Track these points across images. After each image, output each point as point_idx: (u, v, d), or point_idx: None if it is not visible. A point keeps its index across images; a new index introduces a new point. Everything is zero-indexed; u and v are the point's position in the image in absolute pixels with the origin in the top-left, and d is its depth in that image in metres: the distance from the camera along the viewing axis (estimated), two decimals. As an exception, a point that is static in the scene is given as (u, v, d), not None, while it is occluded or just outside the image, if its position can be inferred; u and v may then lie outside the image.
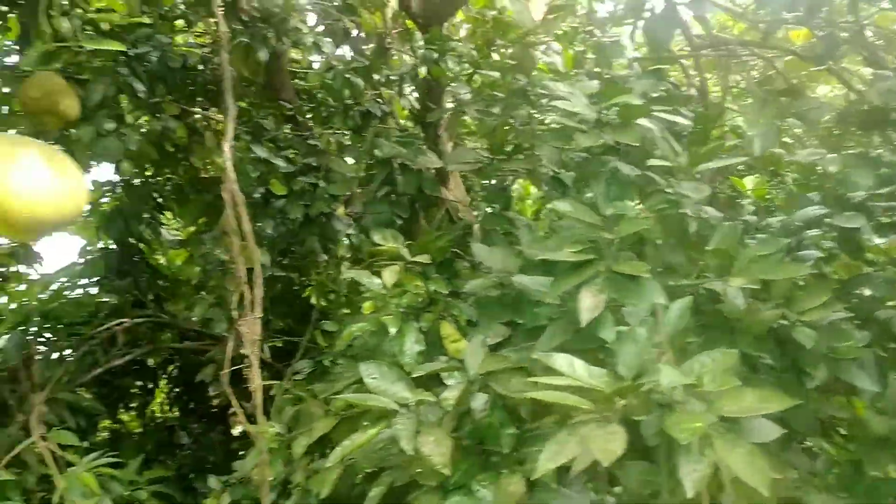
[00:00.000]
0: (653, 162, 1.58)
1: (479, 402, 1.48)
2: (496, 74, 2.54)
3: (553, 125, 1.78)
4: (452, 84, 3.47)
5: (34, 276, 4.71)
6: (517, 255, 1.82)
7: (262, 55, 3.01)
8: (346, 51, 4.10)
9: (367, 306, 1.77)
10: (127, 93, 2.61)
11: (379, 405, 1.44)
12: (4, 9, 2.91)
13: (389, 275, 1.82)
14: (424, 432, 1.39)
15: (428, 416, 1.49)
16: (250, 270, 2.58)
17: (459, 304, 1.85)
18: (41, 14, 1.58)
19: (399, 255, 1.90)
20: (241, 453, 4.92)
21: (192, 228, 5.34)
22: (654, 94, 1.89)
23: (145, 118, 2.99)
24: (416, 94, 3.85)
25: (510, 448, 1.49)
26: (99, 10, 2.32)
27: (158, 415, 5.31)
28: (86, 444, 4.22)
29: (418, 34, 4.25)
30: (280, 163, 2.93)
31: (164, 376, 5.14)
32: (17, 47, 2.83)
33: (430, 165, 2.61)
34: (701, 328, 1.53)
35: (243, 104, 3.61)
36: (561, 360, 1.25)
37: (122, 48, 1.88)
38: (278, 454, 2.31)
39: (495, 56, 3.78)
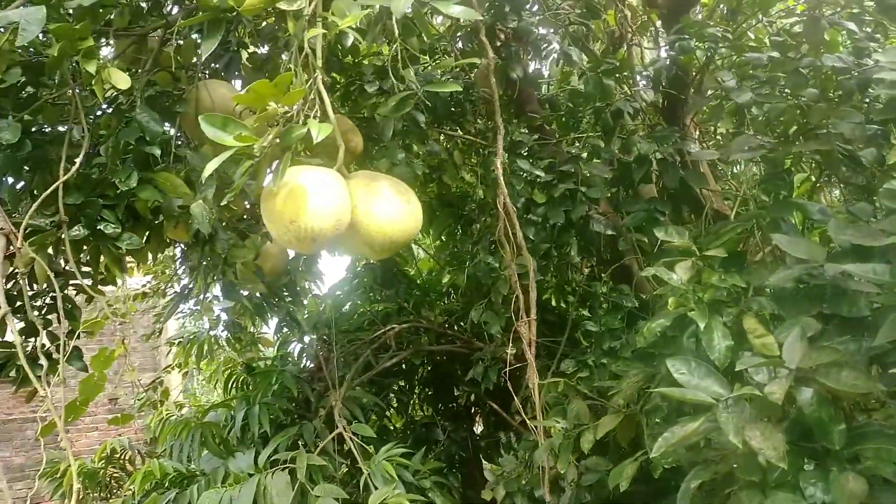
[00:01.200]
0: None
1: (806, 396, 1.40)
2: (769, 55, 2.37)
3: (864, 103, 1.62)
4: (699, 73, 3.34)
5: (317, 290, 5.44)
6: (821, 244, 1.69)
7: (518, 73, 3.16)
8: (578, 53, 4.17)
9: (672, 302, 1.76)
10: (410, 124, 2.91)
11: (697, 399, 1.43)
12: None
13: (682, 271, 1.80)
14: (749, 426, 1.36)
15: (745, 411, 1.44)
16: (521, 276, 2.73)
17: (757, 298, 1.77)
18: (390, 69, 1.86)
19: (690, 250, 1.87)
20: (487, 451, 5.22)
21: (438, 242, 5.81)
22: None
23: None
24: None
25: (841, 445, 1.39)
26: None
27: (417, 412, 5.80)
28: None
29: (658, 26, 4.17)
30: (540, 173, 3.04)
31: (416, 378, 5.61)
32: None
33: (706, 158, 2.52)
34: None
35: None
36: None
37: (459, 88, 2.11)
38: (563, 450, 2.39)
39: (750, 35, 3.56)
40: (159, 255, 2.95)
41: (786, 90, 2.21)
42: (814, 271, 1.65)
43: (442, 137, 4.36)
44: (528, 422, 2.54)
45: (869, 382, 1.33)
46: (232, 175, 1.50)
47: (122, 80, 1.83)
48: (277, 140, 1.39)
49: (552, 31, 4.02)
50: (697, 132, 4.23)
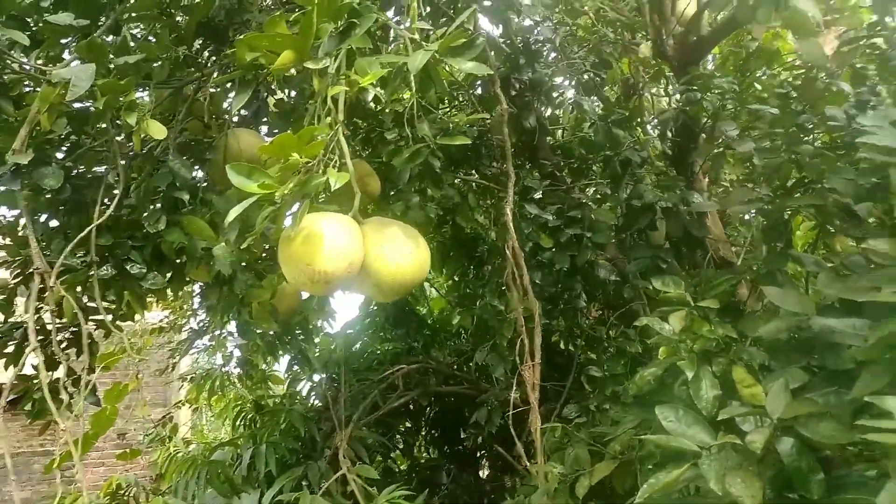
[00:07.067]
0: None
1: (786, 446, 1.45)
2: (770, 109, 2.47)
3: (859, 158, 1.71)
4: (709, 122, 3.44)
5: (329, 329, 5.50)
6: (812, 296, 1.76)
7: (531, 122, 3.29)
8: (591, 101, 4.30)
9: (662, 351, 1.83)
10: (426, 170, 3.03)
11: (682, 447, 1.49)
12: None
13: (676, 320, 1.87)
14: (731, 474, 1.41)
15: (728, 459, 1.50)
16: (526, 319, 2.80)
17: (749, 348, 1.83)
18: (408, 125, 2.00)
19: (684, 300, 1.94)
20: (492, 496, 5.18)
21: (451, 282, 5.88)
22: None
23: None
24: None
25: (819, 494, 1.44)
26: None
27: (422, 454, 5.78)
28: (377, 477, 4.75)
29: (669, 75, 4.29)
30: (548, 217, 3.14)
31: (423, 419, 5.61)
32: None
33: (705, 209, 2.61)
34: None
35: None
36: (893, 403, 1.20)
37: (468, 142, 2.24)
38: (560, 495, 2.42)
39: (757, 86, 3.67)
40: (179, 292, 3.07)
41: (784, 144, 2.30)
42: (803, 324, 1.72)
43: (458, 181, 4.49)
44: (529, 466, 2.58)
45: (847, 434, 1.38)
46: (253, 219, 1.61)
47: (158, 131, 1.97)
48: (298, 188, 1.50)
49: (566, 80, 4.17)
50: (707, 180, 4.32)
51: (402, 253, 1.63)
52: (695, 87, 3.13)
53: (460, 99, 4.18)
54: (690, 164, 3.69)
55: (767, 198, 2.20)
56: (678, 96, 3.40)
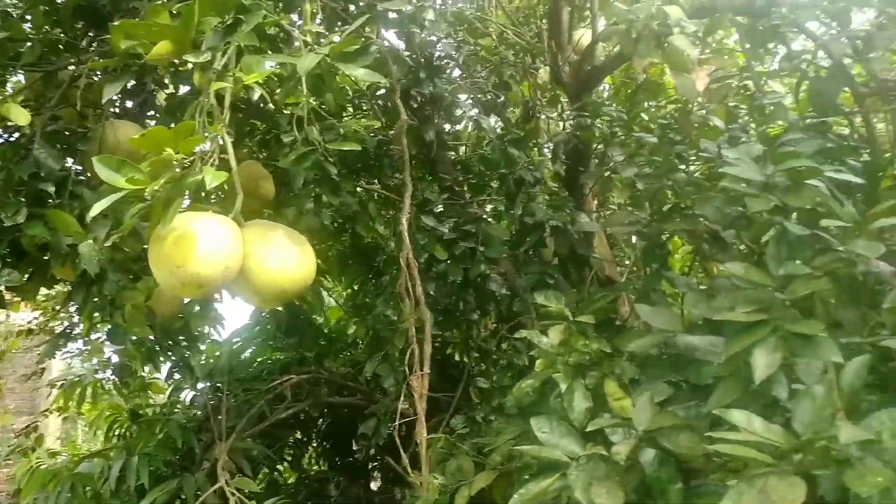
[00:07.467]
0: (825, 222, 1.60)
1: (648, 456, 1.53)
2: (652, 138, 2.64)
3: (723, 188, 1.85)
4: (601, 147, 3.62)
5: (215, 336, 5.27)
6: (680, 315, 1.87)
7: (430, 136, 3.32)
8: (492, 119, 4.41)
9: (539, 364, 1.89)
10: (322, 176, 2.97)
11: (552, 457, 1.54)
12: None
13: (555, 334, 1.93)
14: (596, 484, 1.47)
15: (596, 470, 1.56)
16: (417, 329, 2.80)
17: (621, 363, 1.92)
18: (297, 127, 1.95)
19: (563, 315, 2.01)
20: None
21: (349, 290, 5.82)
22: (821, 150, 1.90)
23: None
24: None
25: (677, 502, 1.52)
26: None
27: (311, 467, 5.66)
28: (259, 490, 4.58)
29: (565, 101, 4.48)
30: (444, 230, 3.18)
31: (314, 430, 5.50)
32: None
33: (589, 229, 2.73)
34: (876, 387, 1.50)
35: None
36: (738, 416, 1.30)
37: (359, 148, 2.21)
38: (441, 504, 2.43)
39: (644, 116, 3.90)
40: (49, 291, 2.84)
41: (662, 171, 2.46)
42: (670, 340, 1.82)
43: (359, 189, 4.45)
44: (413, 477, 2.57)
45: (701, 445, 1.47)
46: (124, 216, 1.52)
47: (21, 117, 1.82)
48: (170, 185, 1.42)
49: (467, 98, 4.26)
50: (595, 202, 4.53)
51: (284, 258, 1.58)
52: (586, 114, 3.28)
53: (364, 108, 4.15)
54: (581, 186, 3.86)
55: (645, 221, 2.33)
56: (571, 121, 3.56)
